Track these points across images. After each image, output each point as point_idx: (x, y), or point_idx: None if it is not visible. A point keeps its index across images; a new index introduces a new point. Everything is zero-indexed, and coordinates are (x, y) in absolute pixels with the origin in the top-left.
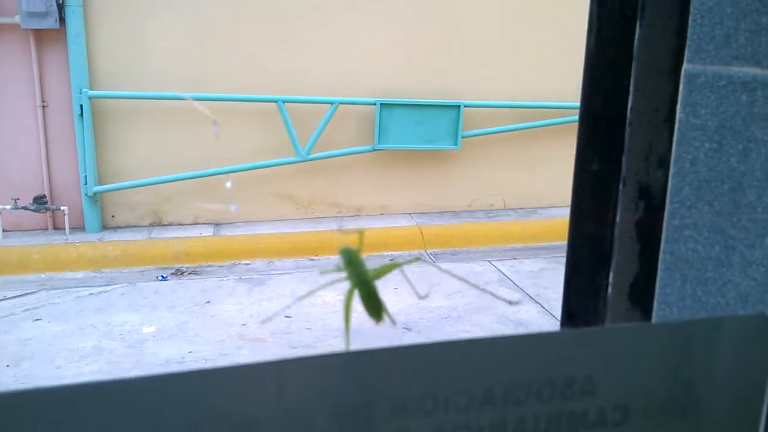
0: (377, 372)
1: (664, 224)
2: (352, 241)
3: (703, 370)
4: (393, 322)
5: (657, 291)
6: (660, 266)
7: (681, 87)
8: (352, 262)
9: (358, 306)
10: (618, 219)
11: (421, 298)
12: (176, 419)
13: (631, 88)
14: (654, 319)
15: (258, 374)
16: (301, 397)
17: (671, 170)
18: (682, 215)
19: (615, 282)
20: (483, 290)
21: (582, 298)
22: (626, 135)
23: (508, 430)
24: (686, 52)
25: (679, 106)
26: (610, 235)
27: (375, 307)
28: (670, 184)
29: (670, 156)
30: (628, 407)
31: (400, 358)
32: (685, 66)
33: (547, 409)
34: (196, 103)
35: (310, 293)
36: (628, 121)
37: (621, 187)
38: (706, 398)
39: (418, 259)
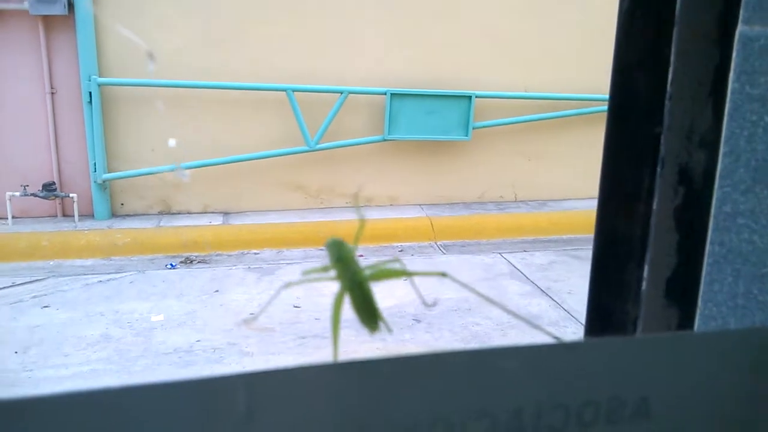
0: (374, 389)
1: (712, 211)
2: (344, 234)
3: None
4: (389, 330)
5: (702, 288)
6: (706, 260)
7: (734, 53)
8: (341, 260)
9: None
10: (655, 206)
11: (427, 306)
12: None
13: (672, 57)
14: (697, 319)
15: (223, 390)
16: (276, 420)
17: (722, 149)
18: (735, 201)
19: (650, 277)
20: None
21: (610, 295)
22: (665, 111)
23: None
24: (741, 12)
25: (732, 75)
26: (644, 224)
27: (369, 314)
28: (720, 165)
29: (716, 133)
30: None
31: (402, 371)
32: (740, 28)
33: None
34: (127, 32)
35: (292, 284)
36: (667, 95)
37: (659, 170)
38: None
39: (443, 274)
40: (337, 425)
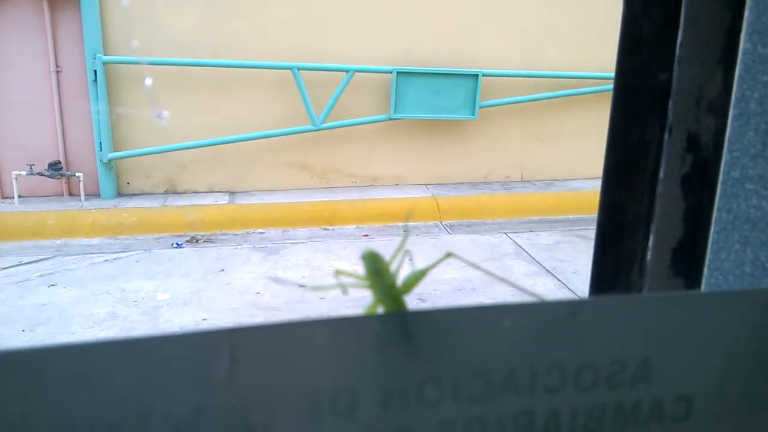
0: (361, 347)
1: (720, 177)
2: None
3: None
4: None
5: (708, 256)
6: (713, 227)
7: (747, 11)
8: (378, 273)
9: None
10: (661, 174)
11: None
12: (86, 402)
13: (681, 19)
14: (703, 289)
15: (207, 344)
16: (260, 380)
17: (731, 112)
18: (744, 165)
19: (655, 246)
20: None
21: (614, 265)
22: (673, 75)
23: (536, 425)
24: None
25: (743, 35)
26: (650, 192)
27: None
28: (729, 129)
29: (726, 98)
30: (691, 399)
31: (391, 329)
32: None
33: (588, 399)
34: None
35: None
36: (676, 59)
37: (666, 136)
38: None
39: (449, 255)
40: (322, 383)
